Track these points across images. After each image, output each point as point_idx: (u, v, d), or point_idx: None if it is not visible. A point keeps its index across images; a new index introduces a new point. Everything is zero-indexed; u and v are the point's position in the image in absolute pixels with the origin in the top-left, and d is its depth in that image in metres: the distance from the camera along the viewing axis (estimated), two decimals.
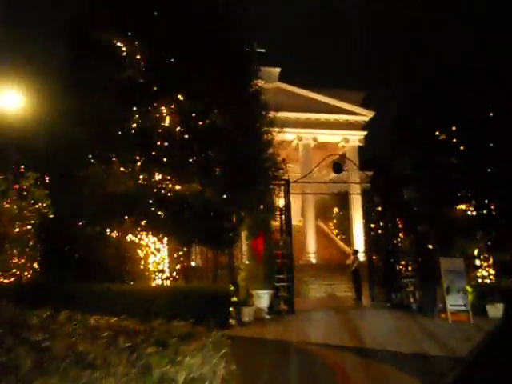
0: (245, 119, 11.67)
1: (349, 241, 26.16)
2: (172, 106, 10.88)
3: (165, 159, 10.55)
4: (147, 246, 12.37)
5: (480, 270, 14.30)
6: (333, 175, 22.11)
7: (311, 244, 24.58)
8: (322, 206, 33.08)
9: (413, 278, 13.92)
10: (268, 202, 12.97)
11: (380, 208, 15.89)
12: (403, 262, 14.38)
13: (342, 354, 7.53)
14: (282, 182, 14.33)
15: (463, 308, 11.52)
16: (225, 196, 10.92)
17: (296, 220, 33.52)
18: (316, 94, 25.18)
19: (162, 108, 10.89)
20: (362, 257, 18.14)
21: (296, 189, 31.05)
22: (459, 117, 13.90)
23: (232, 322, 11.73)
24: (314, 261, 24.02)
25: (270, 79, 26.86)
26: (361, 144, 25.88)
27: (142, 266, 12.52)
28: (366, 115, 25.63)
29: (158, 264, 12.56)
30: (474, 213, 13.28)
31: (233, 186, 10.98)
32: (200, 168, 10.71)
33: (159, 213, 10.71)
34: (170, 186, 10.88)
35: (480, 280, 13.95)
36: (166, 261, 12.69)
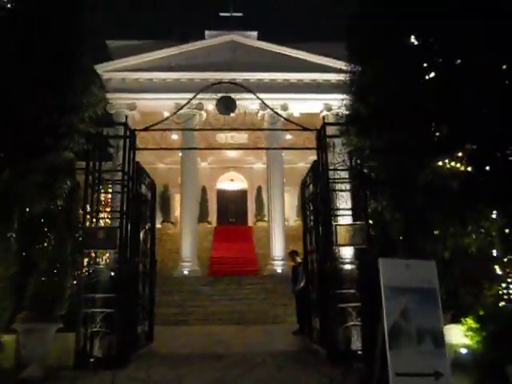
0: None
1: None
2: None
3: None
4: None
5: (500, 287, 7.40)
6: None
7: (278, 248, 18.04)
8: None
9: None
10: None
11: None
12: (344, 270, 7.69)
13: None
14: (121, 134, 8.09)
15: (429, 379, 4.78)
16: None
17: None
18: (281, 47, 18.83)
19: None
20: None
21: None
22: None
23: None
24: (279, 270, 17.42)
25: None
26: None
27: None
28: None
29: None
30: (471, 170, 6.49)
31: None
32: None
33: None
34: None
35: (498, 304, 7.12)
36: None
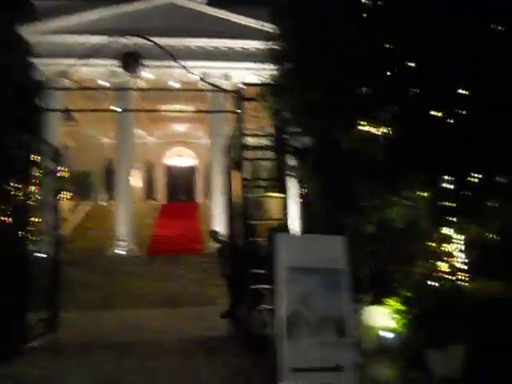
0: None
1: None
2: None
3: None
4: None
5: (432, 264, 6.82)
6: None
7: (218, 225, 17.14)
8: None
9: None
10: None
11: None
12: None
13: None
14: None
15: (330, 376, 4.06)
16: None
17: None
18: (225, 13, 17.66)
19: None
20: None
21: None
22: None
23: None
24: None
25: None
26: None
27: None
28: None
29: None
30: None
31: None
32: None
33: None
34: None
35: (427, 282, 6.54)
36: None
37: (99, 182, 26.02)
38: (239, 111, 6.95)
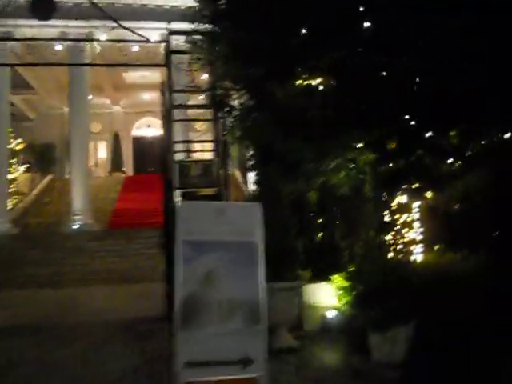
0: None
1: None
2: None
3: None
4: None
5: (385, 235, 6.18)
6: None
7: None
8: None
9: None
10: None
11: None
12: None
13: None
14: None
15: (235, 368, 3.35)
16: None
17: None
18: None
19: None
20: None
21: None
22: None
23: None
24: None
25: None
26: None
27: None
28: None
29: None
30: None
31: None
32: None
33: None
34: None
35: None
36: None
37: (63, 154, 24.84)
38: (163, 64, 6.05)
